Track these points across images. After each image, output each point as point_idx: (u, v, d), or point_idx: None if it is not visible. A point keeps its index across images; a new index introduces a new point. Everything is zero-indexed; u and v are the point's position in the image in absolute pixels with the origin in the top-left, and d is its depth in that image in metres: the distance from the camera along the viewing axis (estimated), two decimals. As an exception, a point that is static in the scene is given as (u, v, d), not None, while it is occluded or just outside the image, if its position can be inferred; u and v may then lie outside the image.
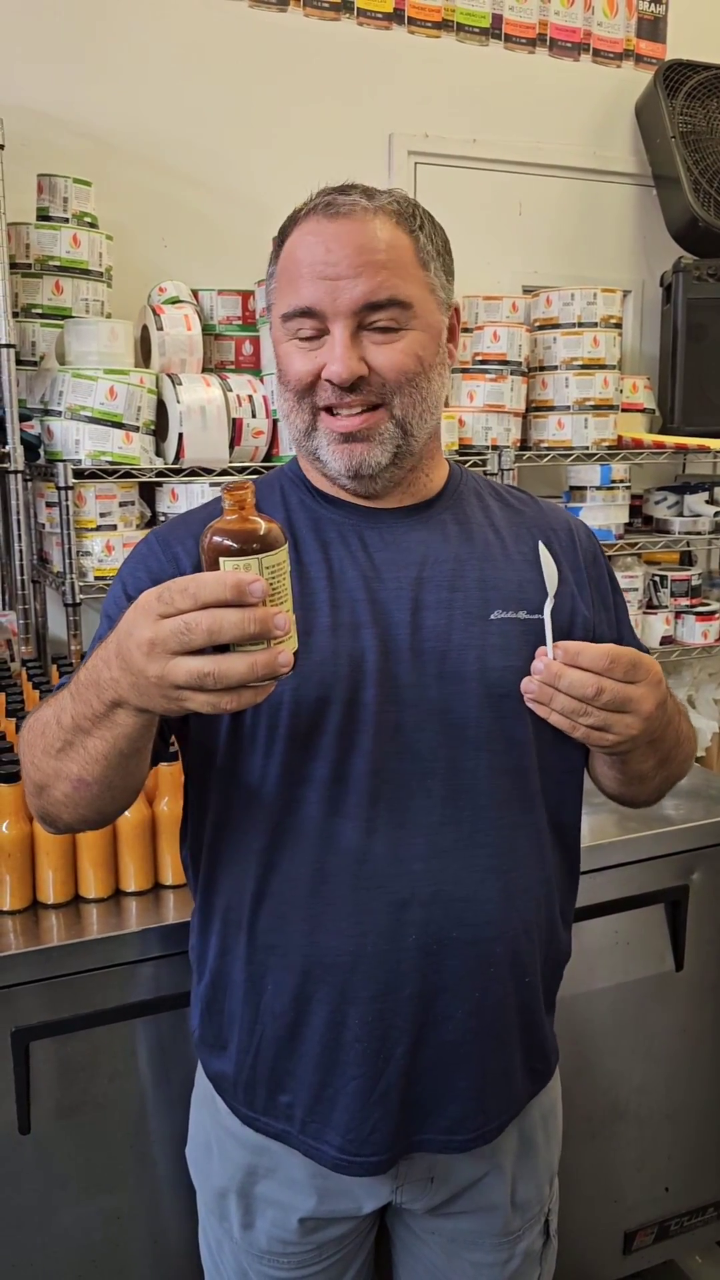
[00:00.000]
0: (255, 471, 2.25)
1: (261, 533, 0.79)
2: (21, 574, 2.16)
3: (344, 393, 1.04)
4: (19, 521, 2.13)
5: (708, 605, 2.91)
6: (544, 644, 0.98)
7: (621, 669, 0.95)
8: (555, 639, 1.00)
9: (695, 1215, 1.94)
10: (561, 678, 0.95)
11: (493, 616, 1.10)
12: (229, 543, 0.78)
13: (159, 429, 2.22)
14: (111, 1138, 1.44)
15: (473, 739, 1.08)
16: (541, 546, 1.05)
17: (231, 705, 0.79)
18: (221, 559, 0.78)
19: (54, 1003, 1.38)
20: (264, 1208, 1.19)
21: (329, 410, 1.06)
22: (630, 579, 2.72)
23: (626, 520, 2.72)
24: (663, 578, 2.86)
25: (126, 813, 1.48)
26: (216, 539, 0.79)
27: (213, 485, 2.16)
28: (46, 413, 2.17)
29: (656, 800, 1.23)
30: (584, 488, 2.65)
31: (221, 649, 0.78)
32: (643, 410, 2.85)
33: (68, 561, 2.09)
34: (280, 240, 1.09)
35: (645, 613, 2.83)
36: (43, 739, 0.96)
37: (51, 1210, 1.42)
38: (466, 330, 2.55)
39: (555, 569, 1.04)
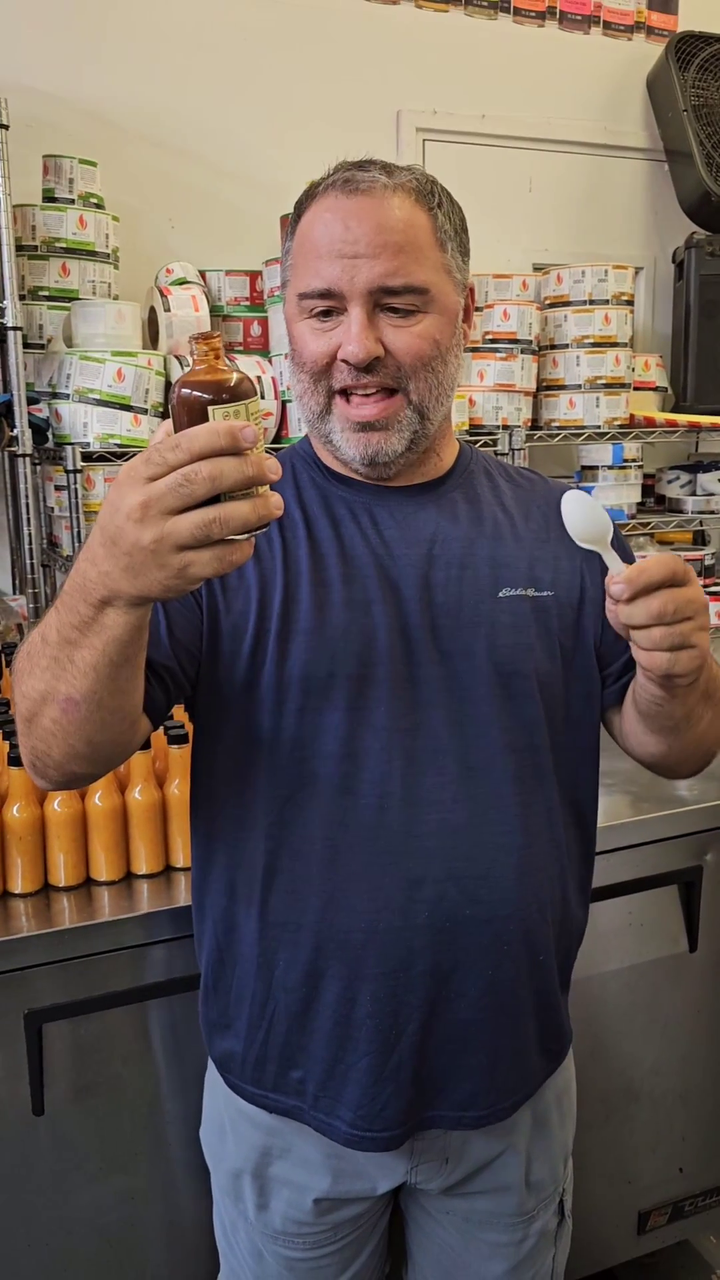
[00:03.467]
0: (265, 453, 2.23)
1: (242, 380, 0.75)
2: (31, 558, 2.16)
3: (360, 373, 1.03)
4: (28, 505, 2.12)
5: (721, 585, 2.89)
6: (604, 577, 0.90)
7: (682, 574, 0.90)
8: (560, 617, 0.96)
9: (709, 1195, 1.94)
10: (634, 615, 0.89)
11: (501, 594, 1.10)
12: (214, 394, 0.74)
13: (167, 411, 2.21)
14: (125, 1119, 1.45)
15: (483, 716, 1.08)
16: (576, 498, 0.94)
17: (239, 557, 0.75)
18: (210, 408, 0.74)
19: (66, 985, 1.38)
20: (278, 1188, 1.19)
21: (344, 394, 1.05)
22: (642, 559, 2.69)
23: (639, 500, 2.70)
24: (675, 558, 2.84)
25: (137, 794, 1.48)
26: (196, 392, 0.74)
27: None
28: (54, 396, 2.16)
29: (709, 757, 1.14)
30: (596, 467, 2.63)
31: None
32: (655, 388, 2.82)
33: (77, 545, 2.08)
34: (296, 216, 1.08)
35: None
36: (29, 661, 0.91)
37: (66, 1191, 1.42)
38: (477, 309, 2.53)
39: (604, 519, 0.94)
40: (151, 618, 0.88)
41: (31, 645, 0.91)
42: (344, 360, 1.03)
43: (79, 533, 2.08)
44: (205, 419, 0.74)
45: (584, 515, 0.91)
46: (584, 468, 2.67)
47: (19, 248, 2.13)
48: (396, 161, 1.09)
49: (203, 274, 2.37)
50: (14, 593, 2.30)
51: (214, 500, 0.73)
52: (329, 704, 1.05)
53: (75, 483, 2.05)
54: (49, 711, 0.91)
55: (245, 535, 0.75)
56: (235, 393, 0.74)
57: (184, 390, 0.75)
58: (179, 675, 1.06)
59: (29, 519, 2.13)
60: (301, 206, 1.08)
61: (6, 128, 2.01)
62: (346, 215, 1.02)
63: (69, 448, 2.04)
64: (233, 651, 1.07)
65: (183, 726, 1.50)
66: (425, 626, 1.08)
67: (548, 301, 2.61)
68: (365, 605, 1.07)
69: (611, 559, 0.90)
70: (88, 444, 2.09)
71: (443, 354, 1.06)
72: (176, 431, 0.74)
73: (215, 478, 0.72)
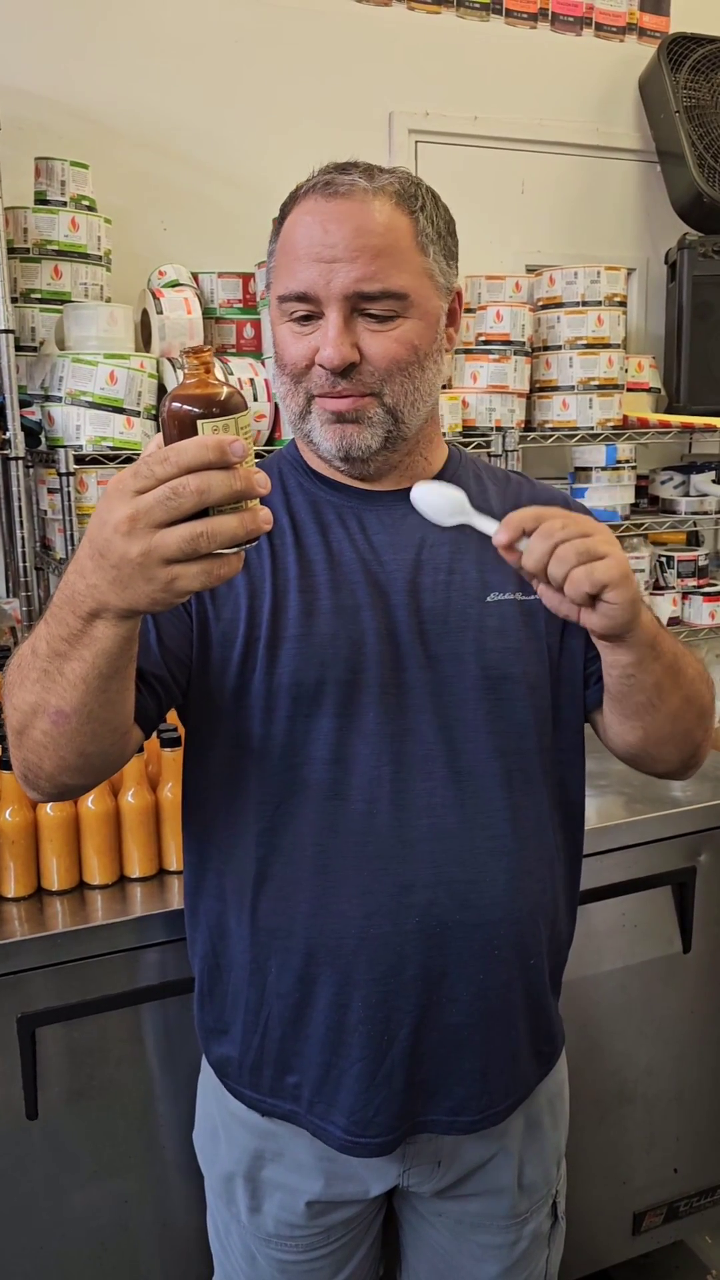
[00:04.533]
0: (257, 455, 2.23)
1: (232, 395, 0.75)
2: (24, 561, 2.15)
3: (336, 378, 1.03)
4: (21, 508, 2.11)
5: (715, 585, 2.89)
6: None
7: (557, 513, 0.88)
8: (547, 620, 0.97)
9: (704, 1196, 1.94)
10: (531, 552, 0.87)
11: (489, 598, 1.10)
12: (203, 408, 0.74)
13: (159, 415, 2.20)
14: (119, 1123, 1.45)
15: (472, 720, 1.08)
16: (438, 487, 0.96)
17: (226, 571, 0.75)
18: (200, 422, 0.74)
19: (60, 988, 1.38)
20: (271, 1191, 1.19)
21: (323, 395, 1.05)
22: (637, 560, 2.70)
23: (632, 501, 2.70)
24: (669, 558, 2.84)
25: (129, 798, 1.48)
26: (186, 406, 0.74)
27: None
28: (47, 398, 2.16)
29: (691, 746, 1.11)
30: (589, 468, 2.63)
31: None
32: (648, 389, 2.82)
33: (70, 548, 2.08)
34: (280, 218, 1.08)
35: (652, 594, 2.81)
36: (19, 673, 0.91)
37: (61, 1195, 1.42)
38: (469, 311, 2.53)
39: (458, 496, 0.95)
40: (141, 627, 0.88)
41: (22, 657, 0.91)
42: (320, 364, 1.03)
43: (72, 536, 2.08)
44: (195, 433, 0.74)
45: (434, 496, 0.93)
46: (577, 469, 2.67)
47: (11, 250, 2.12)
48: (388, 164, 1.09)
49: (195, 276, 2.36)
50: (7, 596, 2.30)
51: (202, 514, 0.73)
52: (319, 710, 1.05)
53: (68, 486, 2.05)
54: (40, 724, 0.91)
55: (233, 549, 0.75)
56: (225, 407, 0.74)
57: (174, 404, 0.75)
58: (170, 684, 1.06)
59: (22, 522, 2.13)
60: (285, 209, 1.08)
61: (-2, 130, 2.01)
62: (325, 219, 1.02)
63: (61, 451, 2.04)
64: (223, 659, 1.07)
65: (176, 729, 1.50)
66: (414, 631, 1.08)
67: (541, 303, 2.61)
68: (354, 611, 1.07)
69: (481, 520, 0.92)
70: (80, 447, 2.08)
71: (421, 360, 1.06)
72: (166, 445, 0.74)
73: (203, 491, 0.72)
